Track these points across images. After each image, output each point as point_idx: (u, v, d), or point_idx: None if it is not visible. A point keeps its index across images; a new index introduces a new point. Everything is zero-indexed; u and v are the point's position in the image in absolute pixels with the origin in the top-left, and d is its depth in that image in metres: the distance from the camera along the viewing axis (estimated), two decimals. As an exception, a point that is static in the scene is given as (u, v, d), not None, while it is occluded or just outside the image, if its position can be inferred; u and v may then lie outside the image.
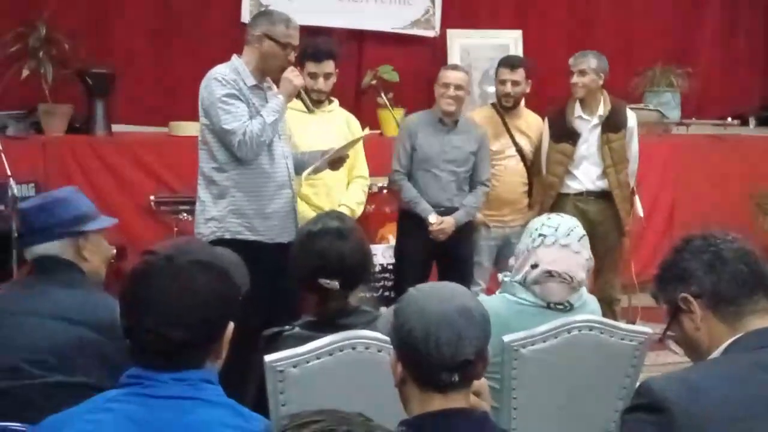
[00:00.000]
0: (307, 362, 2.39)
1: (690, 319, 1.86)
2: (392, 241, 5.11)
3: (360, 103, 6.26)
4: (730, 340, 1.80)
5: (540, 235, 2.82)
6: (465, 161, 4.70)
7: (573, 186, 5.07)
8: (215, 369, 1.78)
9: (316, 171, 3.97)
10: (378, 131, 6.04)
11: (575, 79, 5.00)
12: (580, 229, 2.86)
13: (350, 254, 2.56)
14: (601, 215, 5.03)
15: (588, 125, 5.06)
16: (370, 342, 2.43)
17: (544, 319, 2.72)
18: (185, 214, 5.11)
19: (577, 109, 5.06)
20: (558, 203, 4.99)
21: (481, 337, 1.85)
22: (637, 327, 2.90)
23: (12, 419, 2.18)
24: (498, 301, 2.85)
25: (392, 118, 5.97)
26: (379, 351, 2.40)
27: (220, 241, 3.54)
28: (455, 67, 4.84)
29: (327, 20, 6.16)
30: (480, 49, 6.58)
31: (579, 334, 2.71)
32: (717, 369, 1.77)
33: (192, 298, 1.70)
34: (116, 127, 5.75)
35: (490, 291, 4.56)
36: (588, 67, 4.98)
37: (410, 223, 4.70)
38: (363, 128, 4.61)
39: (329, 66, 4.40)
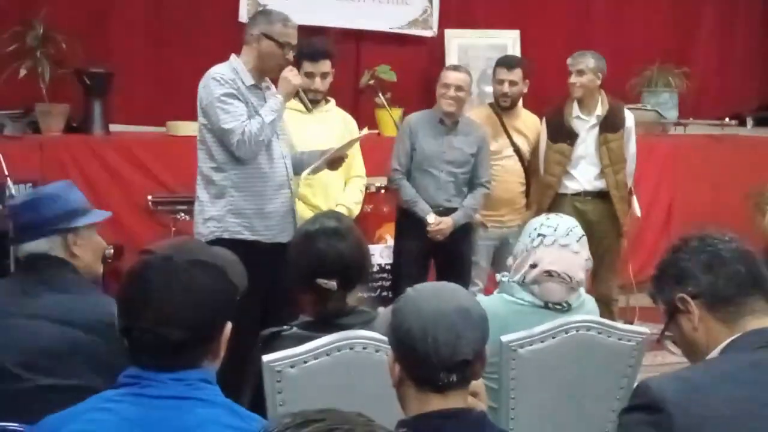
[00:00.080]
0: (305, 362, 2.39)
1: (688, 319, 1.86)
2: (390, 241, 5.12)
3: (358, 103, 6.26)
4: (728, 341, 1.80)
5: (539, 234, 2.82)
6: (464, 162, 4.70)
7: (571, 186, 5.08)
8: (213, 369, 1.77)
9: (315, 171, 3.97)
10: (376, 131, 6.03)
11: (573, 79, 5.00)
12: (579, 230, 2.87)
13: (348, 254, 2.55)
14: (599, 215, 5.04)
15: (586, 125, 5.06)
16: (367, 342, 2.43)
17: (542, 320, 2.72)
18: (183, 214, 5.11)
19: (575, 109, 5.06)
20: (556, 203, 4.99)
21: (479, 337, 1.85)
22: (635, 327, 2.90)
23: (4, 422, 2.16)
24: (496, 301, 2.85)
25: (390, 118, 5.96)
26: (377, 351, 2.40)
27: (218, 241, 3.55)
28: (456, 68, 4.84)
29: (325, 20, 6.16)
30: (477, 49, 6.58)
31: (577, 335, 2.71)
32: (715, 369, 1.77)
33: (190, 298, 1.70)
34: (114, 127, 5.75)
35: (487, 291, 4.56)
36: (586, 67, 4.98)
37: (409, 223, 4.70)
38: (360, 128, 4.61)
39: (326, 65, 4.40)
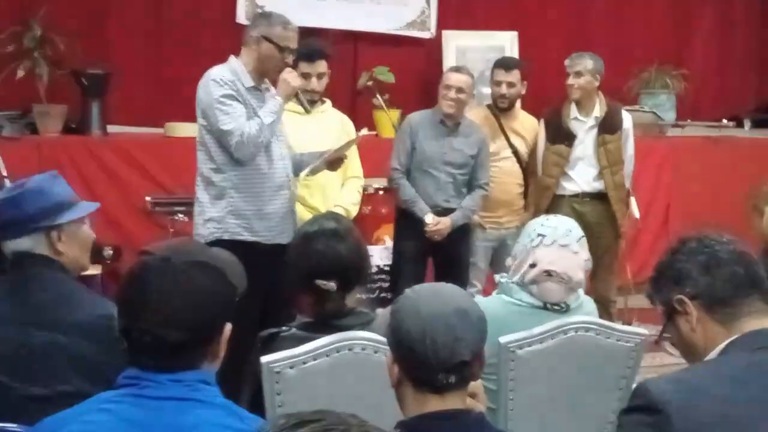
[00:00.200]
0: (304, 363, 2.39)
1: (686, 320, 1.86)
2: (388, 242, 5.12)
3: (355, 105, 6.26)
4: (726, 342, 1.80)
5: (539, 235, 2.82)
6: (464, 164, 4.70)
7: (569, 187, 5.08)
8: (212, 370, 1.77)
9: (314, 172, 3.97)
10: (374, 132, 6.03)
11: (571, 80, 5.00)
12: (578, 230, 2.87)
13: (347, 255, 2.56)
14: (597, 217, 5.04)
15: (584, 126, 5.06)
16: (366, 343, 2.43)
17: (541, 320, 2.72)
18: (181, 215, 5.11)
19: (573, 111, 5.06)
20: (554, 205, 5.00)
21: (478, 338, 1.85)
22: (634, 328, 2.91)
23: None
24: (494, 302, 2.85)
25: (388, 120, 5.97)
26: (376, 352, 2.40)
27: (218, 242, 3.55)
28: (458, 70, 4.83)
29: (322, 21, 6.16)
30: (475, 51, 6.58)
31: (575, 336, 2.71)
32: (714, 370, 1.77)
33: (189, 299, 1.70)
34: (111, 128, 5.74)
35: (486, 292, 4.57)
36: (584, 69, 4.99)
37: (407, 222, 4.70)
38: (357, 129, 4.61)
39: (322, 66, 4.40)
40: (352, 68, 6.41)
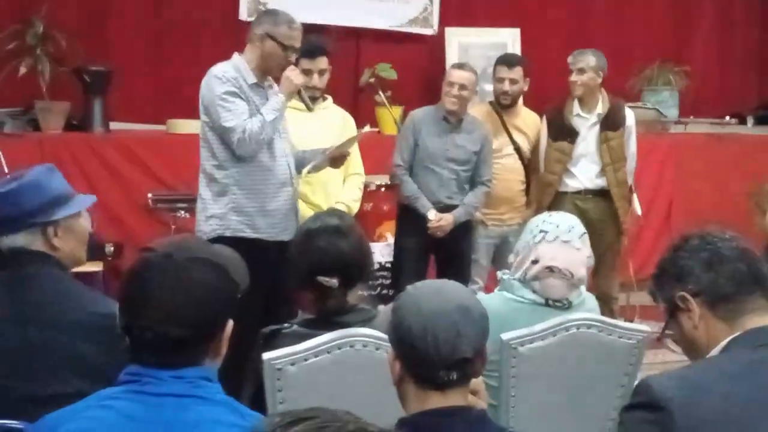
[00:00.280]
0: (305, 360, 2.39)
1: (688, 317, 1.86)
2: (390, 239, 5.12)
3: (358, 101, 6.26)
4: (728, 339, 1.80)
5: (541, 231, 2.82)
6: (467, 161, 4.70)
7: (571, 184, 5.08)
8: (214, 366, 1.77)
9: (316, 169, 3.97)
10: (376, 129, 6.03)
11: (574, 77, 5.00)
12: (580, 227, 2.87)
13: (349, 252, 2.55)
14: (600, 213, 5.03)
15: (586, 123, 5.06)
16: (368, 340, 2.43)
17: (543, 317, 2.72)
18: (183, 212, 5.11)
19: (576, 108, 5.06)
20: (556, 201, 4.99)
21: (480, 335, 1.85)
22: (636, 325, 2.90)
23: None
24: (496, 299, 2.85)
25: (390, 116, 5.96)
26: (377, 349, 2.40)
27: (220, 239, 3.55)
28: (461, 67, 4.82)
29: (325, 18, 6.16)
30: (478, 48, 6.57)
31: (577, 332, 2.71)
32: (716, 367, 1.77)
33: (191, 296, 1.70)
34: (114, 125, 5.75)
35: (488, 289, 4.57)
36: (587, 66, 4.98)
37: (409, 219, 4.70)
38: (359, 126, 4.61)
39: (323, 62, 4.40)
40: (355, 65, 6.41)
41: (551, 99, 5.36)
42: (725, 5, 7.56)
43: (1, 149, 4.58)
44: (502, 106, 5.07)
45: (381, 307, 2.80)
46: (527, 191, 5.15)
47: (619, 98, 5.31)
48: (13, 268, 2.30)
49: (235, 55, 3.78)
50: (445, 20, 6.65)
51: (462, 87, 4.64)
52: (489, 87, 5.51)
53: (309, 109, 3.96)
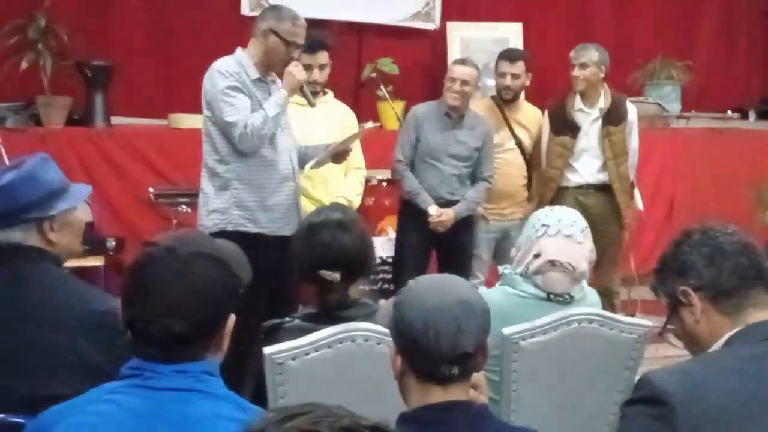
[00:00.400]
0: (307, 354, 2.39)
1: (690, 312, 1.86)
2: (392, 234, 5.12)
3: (360, 96, 6.26)
4: (730, 333, 1.80)
5: (543, 225, 2.82)
6: (468, 157, 4.70)
7: (573, 179, 5.07)
8: (216, 361, 1.77)
9: (319, 164, 3.97)
10: (378, 124, 6.03)
11: (576, 72, 4.99)
12: (582, 221, 2.87)
13: (352, 246, 2.56)
14: (601, 208, 5.03)
15: (588, 118, 5.05)
16: (369, 334, 2.43)
17: (544, 312, 2.72)
18: (184, 207, 5.11)
19: (578, 102, 5.05)
20: (558, 196, 4.99)
21: (481, 329, 1.85)
22: (637, 320, 2.91)
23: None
24: (498, 293, 2.85)
25: (392, 111, 5.96)
26: (379, 344, 2.40)
27: (222, 233, 3.55)
28: (464, 62, 4.81)
29: (327, 13, 6.15)
30: (480, 42, 6.57)
31: (579, 327, 2.71)
32: (718, 362, 1.77)
33: (193, 290, 1.70)
34: (115, 120, 5.74)
35: (489, 284, 4.57)
36: (589, 60, 4.97)
37: (411, 214, 4.70)
38: (360, 121, 4.61)
39: (323, 57, 4.40)
40: (357, 60, 6.41)
41: (553, 94, 5.36)
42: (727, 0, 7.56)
43: (3, 144, 4.57)
44: (504, 100, 5.07)
45: (382, 302, 2.80)
46: (529, 186, 5.14)
47: (621, 93, 5.31)
48: (9, 265, 2.27)
49: (239, 50, 3.77)
50: (447, 15, 6.64)
51: (464, 83, 4.64)
52: (491, 82, 5.50)
53: (311, 105, 3.96)
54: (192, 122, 5.25)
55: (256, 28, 3.76)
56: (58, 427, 1.66)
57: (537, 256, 2.78)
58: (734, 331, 1.80)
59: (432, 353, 1.79)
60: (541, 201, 4.93)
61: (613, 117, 5.05)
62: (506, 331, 2.65)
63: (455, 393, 1.82)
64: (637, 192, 5.29)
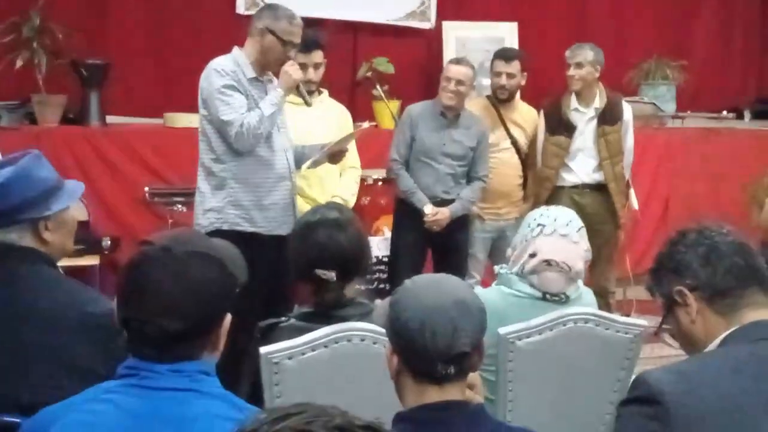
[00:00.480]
0: (303, 354, 2.39)
1: (686, 312, 1.86)
2: (387, 233, 5.12)
3: (355, 95, 6.25)
4: (726, 333, 1.80)
5: (539, 224, 2.82)
6: (463, 156, 4.70)
7: (569, 179, 5.08)
8: (212, 360, 1.77)
9: (315, 164, 3.97)
10: (374, 123, 6.03)
11: (572, 71, 5.00)
12: (578, 221, 2.87)
13: (348, 246, 2.55)
14: (597, 208, 5.04)
15: (584, 117, 5.06)
16: (365, 334, 2.43)
17: (540, 311, 2.72)
18: (180, 206, 5.10)
19: (573, 102, 5.06)
20: (554, 196, 5.00)
21: (477, 329, 1.85)
22: (633, 320, 2.91)
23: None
24: (494, 293, 2.85)
25: (387, 111, 5.95)
26: (375, 343, 2.40)
27: (218, 232, 3.55)
28: (459, 62, 4.81)
29: (322, 12, 6.14)
30: (475, 41, 6.56)
31: (575, 327, 2.71)
32: (713, 361, 1.77)
33: (189, 289, 1.69)
34: (111, 119, 5.73)
35: (484, 284, 4.57)
36: (585, 60, 4.98)
37: (407, 213, 4.70)
38: (356, 121, 4.60)
39: (318, 56, 4.39)
40: (352, 59, 6.40)
41: (549, 93, 5.36)
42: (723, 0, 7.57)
43: (-2, 142, 4.56)
44: (499, 100, 5.07)
45: (378, 301, 2.80)
46: (524, 185, 5.15)
47: (616, 92, 5.32)
48: (2, 266, 2.24)
49: (235, 49, 3.77)
50: (443, 14, 6.63)
51: (459, 82, 4.64)
52: (486, 81, 5.51)
53: (307, 104, 3.96)
54: (188, 121, 5.24)
55: (252, 27, 3.76)
56: (54, 426, 1.66)
57: (533, 255, 2.79)
58: (730, 330, 1.80)
59: (428, 353, 1.79)
60: (536, 200, 4.94)
61: (608, 117, 5.06)
62: (502, 330, 2.65)
63: (451, 392, 1.82)
64: (632, 192, 5.30)
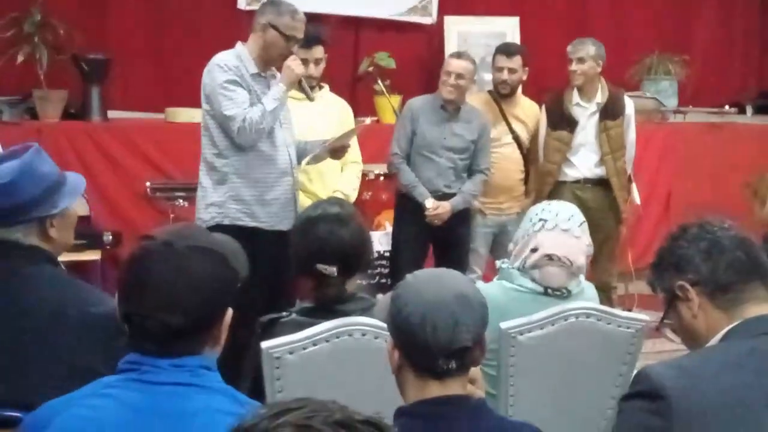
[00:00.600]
0: (304, 349, 2.39)
1: (687, 307, 1.86)
2: (389, 228, 5.12)
3: (356, 90, 6.25)
4: (727, 328, 1.80)
5: (540, 219, 2.82)
6: (464, 149, 4.70)
7: (571, 173, 5.08)
8: (214, 355, 1.77)
9: (317, 159, 3.98)
10: (375, 118, 6.03)
11: (574, 66, 4.99)
12: (580, 216, 2.87)
13: (349, 241, 2.55)
14: (599, 203, 5.04)
15: (586, 112, 5.05)
16: (366, 329, 2.43)
17: (542, 306, 2.72)
18: (182, 201, 5.11)
19: (575, 97, 5.06)
20: (555, 191, 5.00)
21: (479, 323, 1.85)
22: (635, 314, 2.91)
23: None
24: (495, 287, 2.85)
25: (389, 105, 5.95)
26: (376, 338, 2.40)
27: (219, 227, 3.55)
28: (459, 56, 4.81)
29: (323, 7, 6.14)
30: (477, 36, 6.56)
31: (576, 322, 2.72)
32: (715, 356, 1.77)
33: (190, 284, 1.69)
34: (112, 114, 5.73)
35: (486, 279, 4.57)
36: (586, 55, 4.97)
37: (408, 207, 4.71)
38: (357, 115, 4.60)
39: (319, 51, 4.39)
40: (353, 54, 6.39)
41: (550, 88, 5.36)
42: (725, -5, 7.56)
43: (-1, 137, 4.56)
44: (500, 95, 5.06)
45: (379, 296, 2.80)
46: (526, 180, 5.15)
47: (618, 87, 5.31)
48: (5, 264, 2.22)
49: (238, 44, 3.78)
50: (444, 9, 6.63)
51: (459, 76, 4.64)
52: (488, 76, 5.50)
53: (310, 99, 3.96)
54: (189, 116, 5.24)
55: (255, 22, 3.76)
56: (55, 421, 1.66)
57: (534, 250, 2.79)
58: (731, 325, 1.80)
59: (429, 347, 1.79)
60: (538, 195, 4.94)
61: (610, 111, 5.06)
62: (504, 325, 2.65)
63: (453, 387, 1.82)
64: (634, 186, 5.29)
